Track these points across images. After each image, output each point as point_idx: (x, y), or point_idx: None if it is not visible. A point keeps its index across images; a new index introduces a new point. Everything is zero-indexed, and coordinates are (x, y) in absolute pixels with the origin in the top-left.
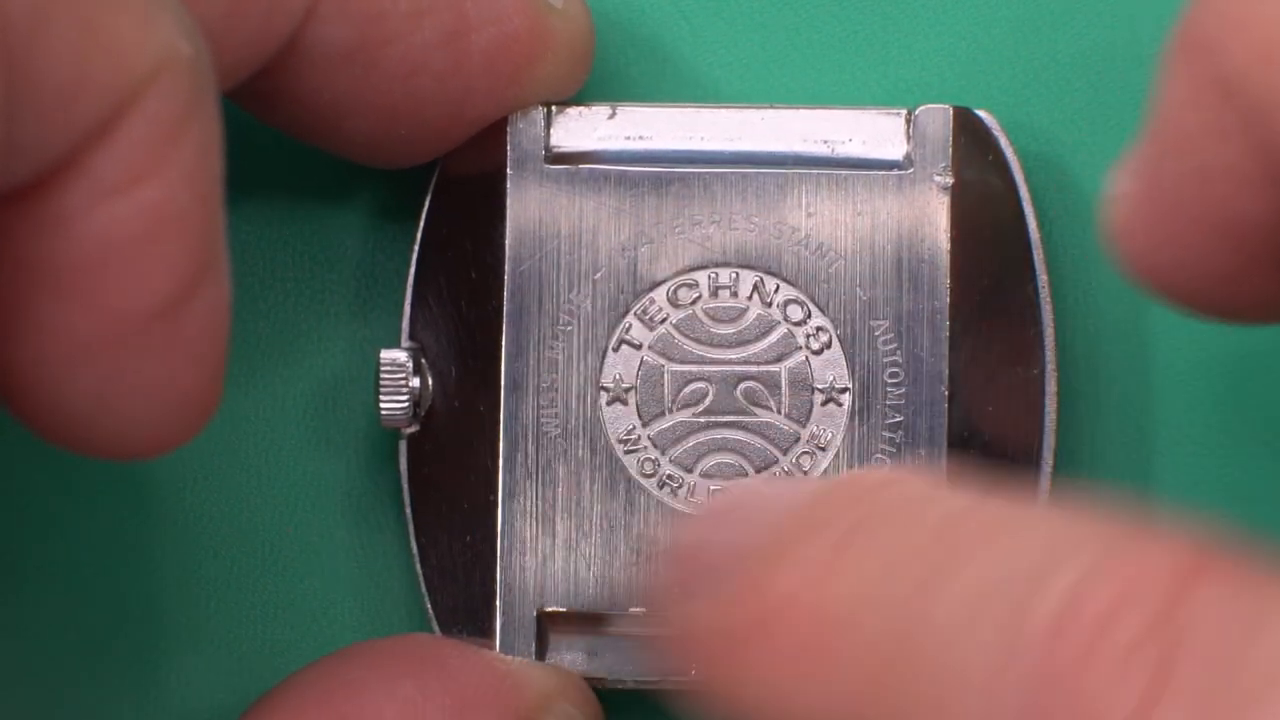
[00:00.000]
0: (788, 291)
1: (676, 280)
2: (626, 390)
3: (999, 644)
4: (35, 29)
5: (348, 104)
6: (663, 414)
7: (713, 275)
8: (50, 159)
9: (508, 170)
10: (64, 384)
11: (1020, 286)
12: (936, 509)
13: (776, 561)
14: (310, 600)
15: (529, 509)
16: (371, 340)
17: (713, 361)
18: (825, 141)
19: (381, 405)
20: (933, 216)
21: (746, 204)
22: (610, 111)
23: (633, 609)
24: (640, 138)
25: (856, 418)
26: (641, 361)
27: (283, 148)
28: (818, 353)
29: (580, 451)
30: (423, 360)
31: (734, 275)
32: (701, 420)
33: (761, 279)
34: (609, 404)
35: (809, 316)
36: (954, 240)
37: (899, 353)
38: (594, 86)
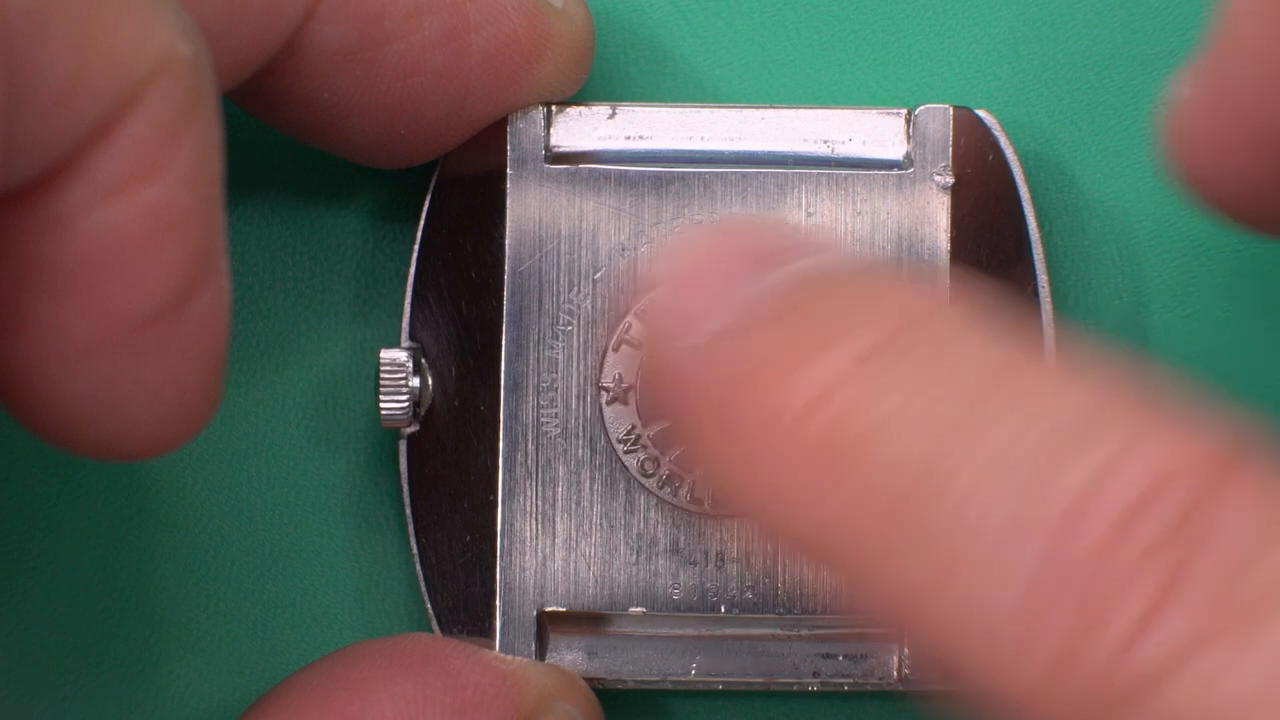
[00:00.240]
0: None
1: None
2: (626, 390)
3: (1018, 508)
4: (35, 29)
5: (347, 104)
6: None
7: None
8: (50, 159)
9: (508, 170)
10: (63, 385)
11: (1021, 286)
12: (981, 351)
13: (794, 367)
14: (310, 600)
15: (529, 509)
16: (372, 340)
17: None
18: (825, 141)
19: (382, 405)
20: (933, 216)
21: (746, 204)
22: (610, 111)
23: (633, 609)
24: (640, 137)
25: None
26: (641, 361)
27: (283, 148)
28: None
29: (580, 451)
30: (423, 360)
31: None
32: None
33: None
34: (609, 404)
35: None
36: (954, 240)
37: None
38: (594, 86)
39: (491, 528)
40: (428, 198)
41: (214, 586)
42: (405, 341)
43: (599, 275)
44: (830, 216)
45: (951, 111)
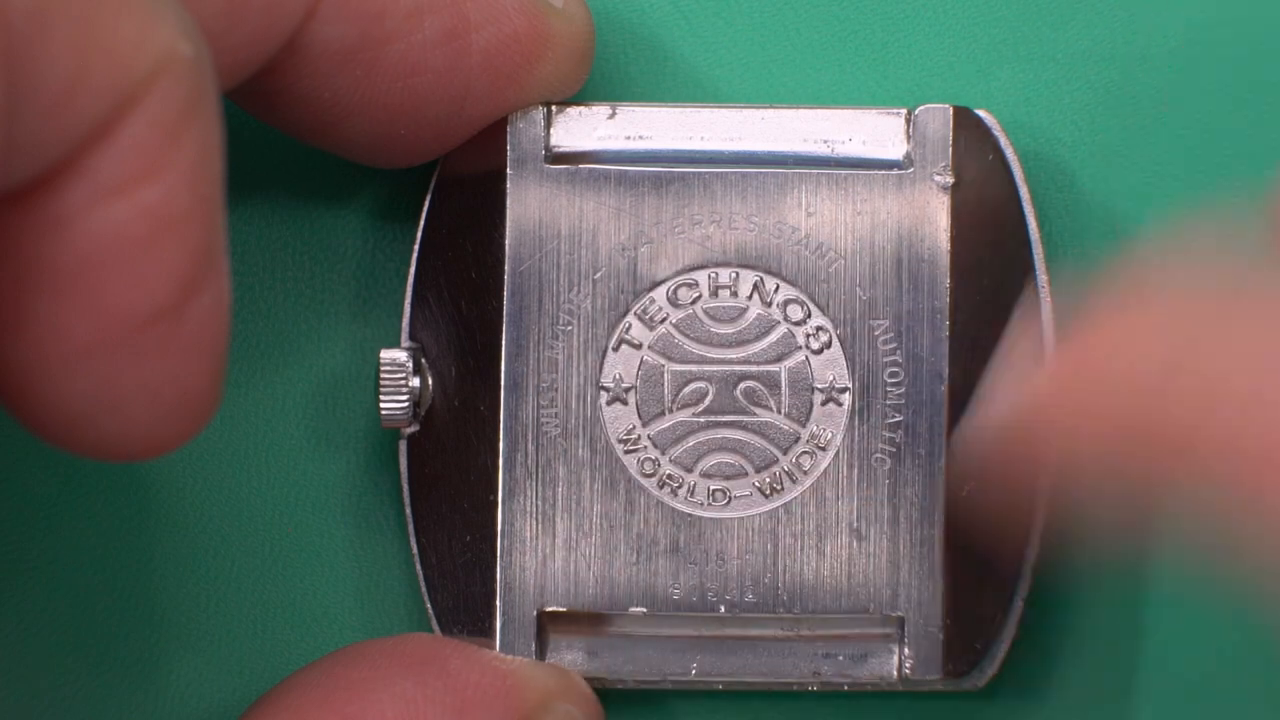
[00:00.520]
0: (788, 291)
1: (676, 280)
2: (626, 390)
3: None
4: (36, 29)
5: (348, 104)
6: (663, 414)
7: (713, 275)
8: (50, 159)
9: (507, 170)
10: (63, 385)
11: (1020, 286)
12: None
13: None
14: (310, 600)
15: (529, 509)
16: (372, 340)
17: (713, 361)
18: (825, 141)
19: (382, 405)
20: (932, 216)
21: (746, 204)
22: (610, 111)
23: (632, 609)
24: (640, 137)
25: (856, 417)
26: (641, 361)
27: (283, 147)
28: (818, 352)
29: (580, 451)
30: (423, 360)
31: (734, 275)
32: (701, 420)
33: (761, 279)
34: (609, 404)
35: (809, 316)
36: (954, 239)
37: (899, 352)
38: (594, 86)
39: (491, 528)
40: (428, 197)
41: (214, 586)
42: (405, 341)
43: (599, 275)
44: (830, 216)
45: (951, 111)
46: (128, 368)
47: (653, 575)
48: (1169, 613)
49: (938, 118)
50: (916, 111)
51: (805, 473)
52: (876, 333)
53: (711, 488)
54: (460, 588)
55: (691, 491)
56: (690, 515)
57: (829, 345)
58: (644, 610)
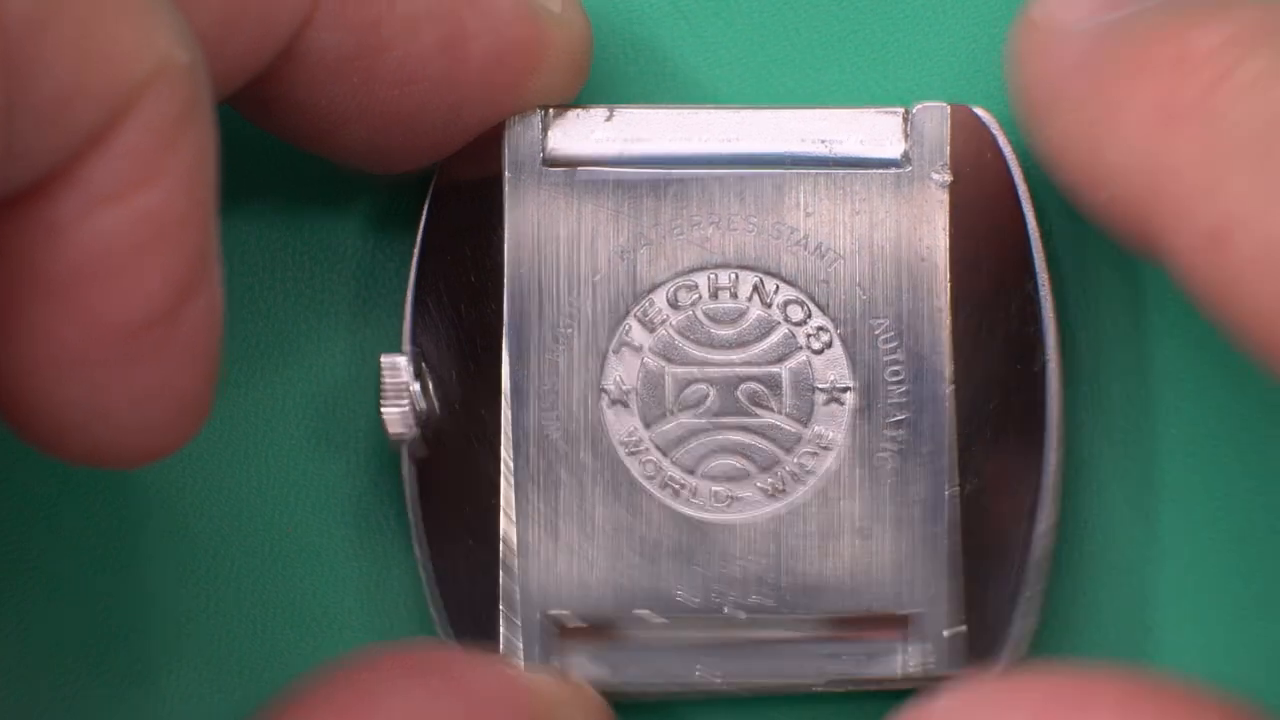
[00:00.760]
0: (788, 292)
1: (676, 282)
2: (628, 393)
3: None
4: (32, 36)
5: (345, 111)
6: (664, 416)
7: (712, 277)
8: (46, 166)
9: (505, 174)
10: (56, 392)
11: (1020, 284)
12: None
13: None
14: (311, 602)
15: (533, 514)
16: (372, 346)
17: (714, 363)
18: (823, 141)
19: (384, 411)
20: (931, 214)
21: (745, 205)
22: (607, 114)
23: (638, 611)
24: (638, 140)
25: (859, 417)
26: (642, 364)
27: (283, 154)
28: (819, 352)
29: (583, 455)
30: (424, 366)
31: (733, 276)
32: (704, 422)
33: (761, 280)
34: (610, 407)
35: (809, 316)
36: (953, 238)
37: (900, 351)
38: (591, 89)
39: (495, 533)
40: (426, 203)
41: (214, 588)
42: (406, 347)
43: (598, 278)
44: (829, 216)
45: (949, 110)
46: (120, 375)
47: (658, 578)
48: (1179, 610)
49: (935, 116)
50: (914, 110)
51: (809, 473)
52: (877, 332)
53: (715, 490)
54: (465, 594)
55: (695, 494)
56: (694, 518)
57: (830, 345)
58: (650, 613)
